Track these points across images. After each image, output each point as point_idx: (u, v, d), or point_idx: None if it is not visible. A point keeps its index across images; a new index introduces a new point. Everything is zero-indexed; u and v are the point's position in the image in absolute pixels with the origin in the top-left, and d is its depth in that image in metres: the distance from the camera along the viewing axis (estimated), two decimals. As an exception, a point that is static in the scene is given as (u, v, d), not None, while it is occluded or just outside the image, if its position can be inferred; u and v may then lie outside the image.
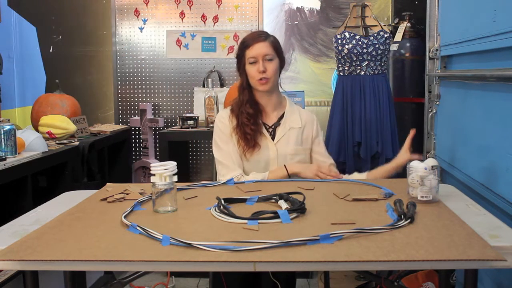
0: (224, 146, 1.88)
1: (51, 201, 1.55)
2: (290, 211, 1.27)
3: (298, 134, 1.91)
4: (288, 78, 3.33)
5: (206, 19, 3.38)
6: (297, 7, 3.34)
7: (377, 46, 2.65)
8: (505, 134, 1.60)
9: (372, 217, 1.25)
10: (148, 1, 3.40)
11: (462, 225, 1.17)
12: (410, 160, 1.47)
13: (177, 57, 3.42)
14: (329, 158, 1.98)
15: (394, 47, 2.90)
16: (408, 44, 2.90)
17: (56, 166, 2.38)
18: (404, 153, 1.84)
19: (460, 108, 2.05)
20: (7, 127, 2.03)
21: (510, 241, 1.07)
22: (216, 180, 1.81)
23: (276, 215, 1.25)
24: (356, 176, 1.87)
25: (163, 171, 1.33)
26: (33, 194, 2.09)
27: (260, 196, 1.44)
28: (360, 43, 2.65)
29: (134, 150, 3.52)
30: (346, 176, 1.85)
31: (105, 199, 1.49)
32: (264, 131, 1.89)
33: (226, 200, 1.37)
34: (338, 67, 2.76)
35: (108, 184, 1.70)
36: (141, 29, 3.43)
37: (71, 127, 2.72)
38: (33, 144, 2.25)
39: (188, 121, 2.97)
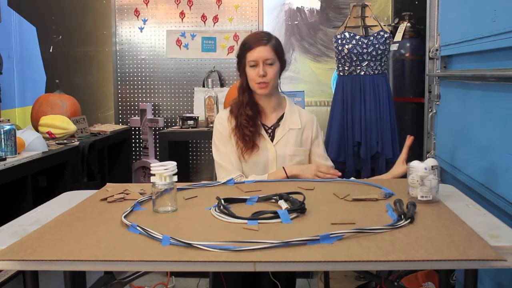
0: (223, 148, 1.88)
1: (51, 201, 1.55)
2: (290, 211, 1.27)
3: (298, 135, 1.90)
4: (288, 78, 3.33)
5: (206, 19, 3.38)
6: (297, 7, 3.34)
7: (377, 46, 2.65)
8: (505, 134, 1.60)
9: (372, 217, 1.25)
10: (148, 1, 3.40)
11: (462, 225, 1.17)
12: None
13: (177, 57, 3.41)
14: (328, 160, 1.97)
15: (394, 47, 2.90)
16: (408, 44, 2.90)
17: (56, 166, 2.38)
18: (400, 165, 1.82)
19: (460, 108, 2.05)
20: (7, 127, 2.03)
21: (510, 241, 1.07)
22: (216, 180, 1.81)
23: (276, 215, 1.25)
24: None
25: (163, 171, 1.33)
26: (33, 194, 2.09)
27: (260, 196, 1.44)
28: (360, 43, 2.65)
29: (134, 150, 3.52)
30: None
31: (105, 199, 1.49)
32: (263, 132, 1.89)
33: (226, 200, 1.37)
34: (338, 67, 2.76)
35: (108, 184, 1.70)
36: (141, 29, 3.43)
37: (71, 127, 2.72)
38: (33, 144, 2.25)
39: (188, 121, 2.97)
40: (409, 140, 1.83)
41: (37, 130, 2.69)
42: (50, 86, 3.48)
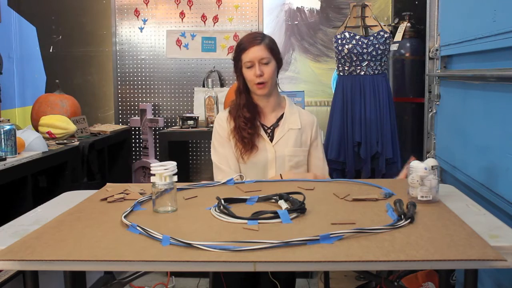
0: (221, 149, 1.88)
1: (51, 201, 1.55)
2: (290, 211, 1.27)
3: (297, 136, 1.90)
4: (288, 78, 3.33)
5: (206, 19, 3.38)
6: (297, 7, 3.34)
7: (377, 46, 2.65)
8: (505, 134, 1.60)
9: (372, 217, 1.25)
10: (148, 1, 3.40)
11: (462, 225, 1.17)
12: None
13: (177, 57, 3.41)
14: (325, 162, 1.97)
15: (394, 47, 2.90)
16: (408, 44, 2.90)
17: (56, 166, 2.37)
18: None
19: (460, 108, 2.05)
20: (7, 127, 2.03)
21: (510, 241, 1.07)
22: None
23: (276, 215, 1.25)
24: None
25: (163, 171, 1.33)
26: (33, 194, 2.09)
27: (260, 196, 1.44)
28: (360, 43, 2.65)
29: (134, 150, 3.52)
30: None
31: (105, 199, 1.49)
32: (262, 132, 1.89)
33: (226, 200, 1.37)
34: (338, 67, 2.76)
35: (108, 184, 1.70)
36: (141, 29, 3.43)
37: (71, 127, 2.72)
38: (33, 144, 2.25)
39: (188, 121, 2.97)
40: None
41: (37, 130, 2.69)
42: (50, 86, 3.48)
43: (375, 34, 2.67)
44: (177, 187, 1.42)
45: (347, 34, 2.68)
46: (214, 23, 3.38)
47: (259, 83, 1.82)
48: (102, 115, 3.56)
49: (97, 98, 3.55)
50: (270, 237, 1.09)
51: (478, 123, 1.85)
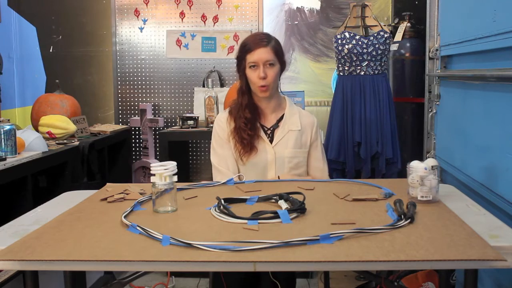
0: (220, 150, 1.88)
1: (51, 201, 1.55)
2: (290, 211, 1.27)
3: (297, 137, 1.89)
4: (288, 78, 3.33)
5: (206, 19, 3.38)
6: (297, 7, 3.34)
7: (377, 46, 2.64)
8: (505, 134, 1.60)
9: (372, 217, 1.25)
10: (148, 1, 3.40)
11: (462, 225, 1.17)
12: None
13: (177, 57, 3.41)
14: (325, 163, 1.97)
15: (394, 47, 2.90)
16: (408, 44, 2.90)
17: (56, 166, 2.37)
18: None
19: (460, 108, 2.05)
20: (7, 127, 2.02)
21: (510, 241, 1.07)
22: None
23: (276, 215, 1.25)
24: None
25: (163, 171, 1.33)
26: (33, 194, 2.09)
27: (260, 196, 1.44)
28: (360, 43, 2.65)
29: (134, 150, 3.52)
30: None
31: (105, 199, 1.49)
32: (262, 134, 1.88)
33: (226, 200, 1.37)
34: (338, 67, 2.76)
35: (108, 184, 1.70)
36: (141, 29, 3.43)
37: (71, 127, 2.72)
38: (33, 144, 2.25)
39: (188, 121, 2.97)
40: None
41: (37, 130, 2.68)
42: (50, 86, 3.48)
43: (375, 34, 2.67)
44: (177, 187, 1.42)
45: (347, 34, 2.68)
46: (214, 23, 3.38)
47: (262, 86, 1.81)
48: (102, 115, 3.56)
49: (97, 98, 3.55)
50: (270, 237, 1.09)
51: (478, 123, 1.85)
